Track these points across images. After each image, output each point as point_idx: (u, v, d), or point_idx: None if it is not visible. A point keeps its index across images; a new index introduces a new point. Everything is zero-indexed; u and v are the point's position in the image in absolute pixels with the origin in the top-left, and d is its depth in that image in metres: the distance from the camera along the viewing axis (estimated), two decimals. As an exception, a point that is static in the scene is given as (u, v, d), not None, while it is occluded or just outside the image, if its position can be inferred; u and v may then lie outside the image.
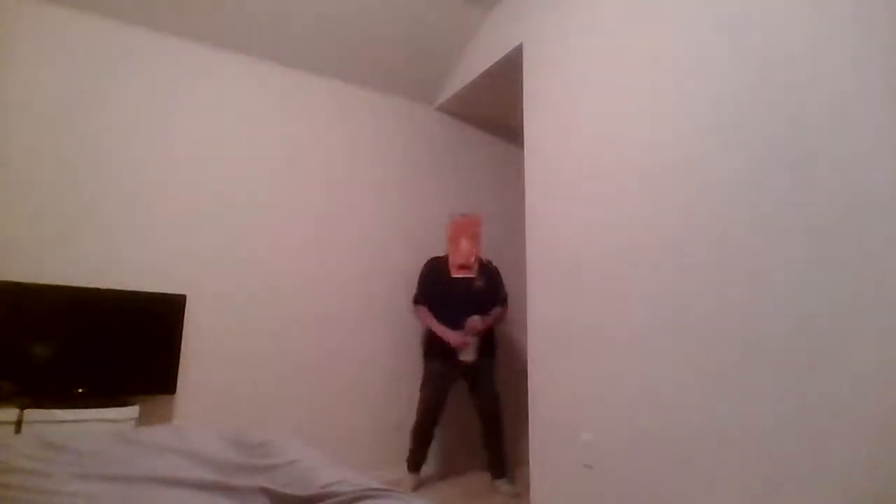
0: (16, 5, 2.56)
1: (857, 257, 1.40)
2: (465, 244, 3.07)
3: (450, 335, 2.93)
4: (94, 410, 2.20)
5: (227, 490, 1.05)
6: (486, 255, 3.25)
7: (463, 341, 2.90)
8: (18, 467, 1.10)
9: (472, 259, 3.08)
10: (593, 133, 2.30)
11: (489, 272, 3.17)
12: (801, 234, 1.52)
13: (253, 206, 3.02)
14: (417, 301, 3.12)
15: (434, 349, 3.04)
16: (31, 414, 2.07)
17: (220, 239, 2.90)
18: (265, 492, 1.04)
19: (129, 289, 2.54)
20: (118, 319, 2.49)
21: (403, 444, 3.06)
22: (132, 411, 2.31)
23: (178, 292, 2.67)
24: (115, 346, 2.46)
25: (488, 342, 3.07)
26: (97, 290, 2.46)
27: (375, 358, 3.27)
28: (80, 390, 2.33)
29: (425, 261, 3.24)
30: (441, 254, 3.24)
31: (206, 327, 2.77)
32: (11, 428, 2.02)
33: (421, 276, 3.16)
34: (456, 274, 3.06)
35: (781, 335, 1.54)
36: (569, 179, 2.40)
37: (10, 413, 2.05)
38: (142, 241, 2.70)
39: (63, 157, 2.57)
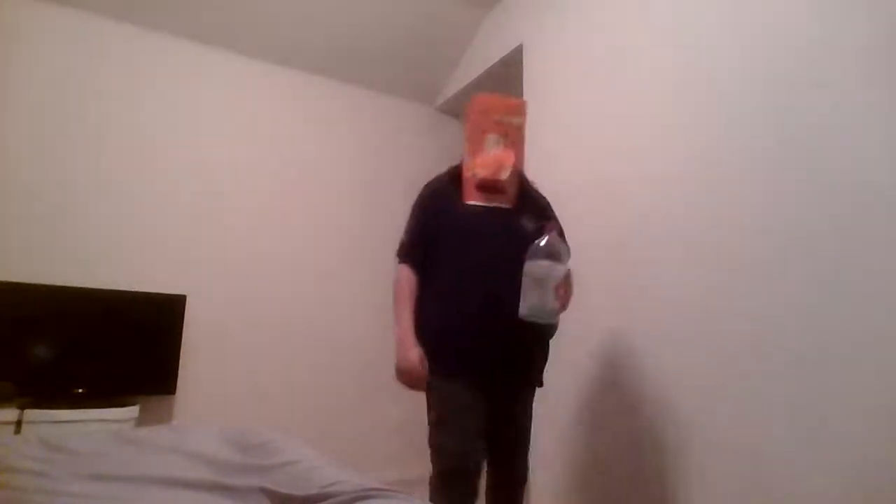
0: (16, 4, 2.55)
1: (860, 257, 1.40)
2: (494, 144, 1.58)
3: (405, 345, 1.57)
4: (93, 410, 2.20)
5: (226, 490, 1.05)
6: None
7: (417, 372, 1.54)
8: (18, 467, 1.10)
9: (507, 173, 1.56)
10: (594, 133, 2.30)
11: (537, 203, 1.74)
12: (803, 233, 1.52)
13: (253, 206, 3.02)
14: (403, 254, 1.69)
15: (444, 353, 1.56)
16: (31, 414, 2.07)
17: (220, 239, 2.90)
18: (265, 492, 1.04)
19: (129, 289, 2.54)
20: (118, 319, 2.49)
21: (404, 443, 3.06)
22: (132, 411, 2.31)
23: (178, 292, 2.67)
24: (115, 346, 2.46)
25: (535, 350, 1.66)
26: (97, 290, 2.46)
27: (376, 358, 3.27)
28: (80, 390, 2.33)
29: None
30: (449, 172, 1.76)
31: (206, 327, 2.76)
32: (11, 428, 2.02)
33: (414, 209, 1.73)
34: (474, 199, 1.59)
35: (782, 335, 1.54)
36: (569, 180, 2.40)
37: (10, 413, 2.05)
38: (142, 241, 2.69)
39: (63, 158, 2.57)
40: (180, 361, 2.58)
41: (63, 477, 1.08)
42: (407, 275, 1.65)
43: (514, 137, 1.61)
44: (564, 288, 1.46)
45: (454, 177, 1.67)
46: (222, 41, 3.00)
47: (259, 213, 3.03)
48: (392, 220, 3.50)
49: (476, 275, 1.56)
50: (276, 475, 1.12)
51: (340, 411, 3.10)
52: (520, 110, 1.65)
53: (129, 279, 2.60)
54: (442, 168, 1.79)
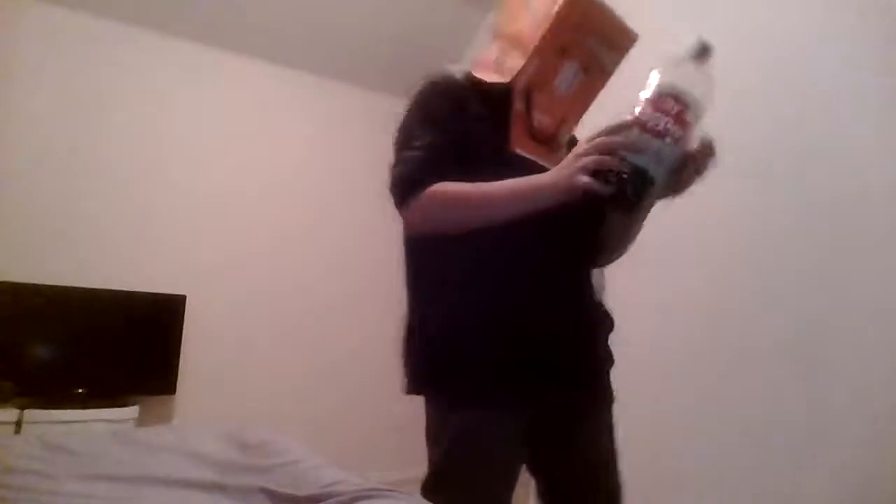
0: (17, 6, 2.55)
1: (857, 257, 1.39)
2: (569, 77, 0.97)
3: (543, 179, 0.87)
4: (94, 410, 2.20)
5: (226, 490, 1.05)
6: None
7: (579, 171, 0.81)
8: (18, 467, 1.10)
9: (570, 130, 1.05)
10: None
11: None
12: (801, 233, 1.52)
13: (253, 206, 3.02)
14: (418, 181, 0.96)
15: (471, 366, 0.93)
16: (31, 414, 2.07)
17: (220, 239, 2.90)
18: (265, 492, 1.04)
19: (129, 289, 2.54)
20: (118, 319, 2.48)
21: (403, 443, 3.05)
22: (132, 411, 2.31)
23: (178, 292, 2.67)
24: (115, 346, 2.46)
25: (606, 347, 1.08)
26: (97, 290, 2.46)
27: (376, 358, 3.27)
28: (80, 390, 2.33)
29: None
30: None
31: (206, 327, 2.76)
32: (11, 428, 2.02)
33: (428, 113, 1.04)
34: (524, 149, 0.97)
35: (781, 336, 1.54)
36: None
37: (10, 413, 2.05)
38: (142, 241, 2.69)
39: (64, 158, 2.57)
40: (180, 361, 2.58)
41: (63, 477, 1.07)
42: (446, 188, 0.92)
43: (596, 79, 1.01)
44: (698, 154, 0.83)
45: (488, 97, 0.96)
46: (223, 42, 3.00)
47: (259, 213, 3.03)
48: (392, 219, 3.51)
49: (523, 251, 0.95)
50: (276, 475, 1.12)
51: (340, 411, 3.09)
52: (625, 43, 1.00)
53: (129, 279, 2.59)
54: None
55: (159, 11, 2.78)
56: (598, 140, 0.82)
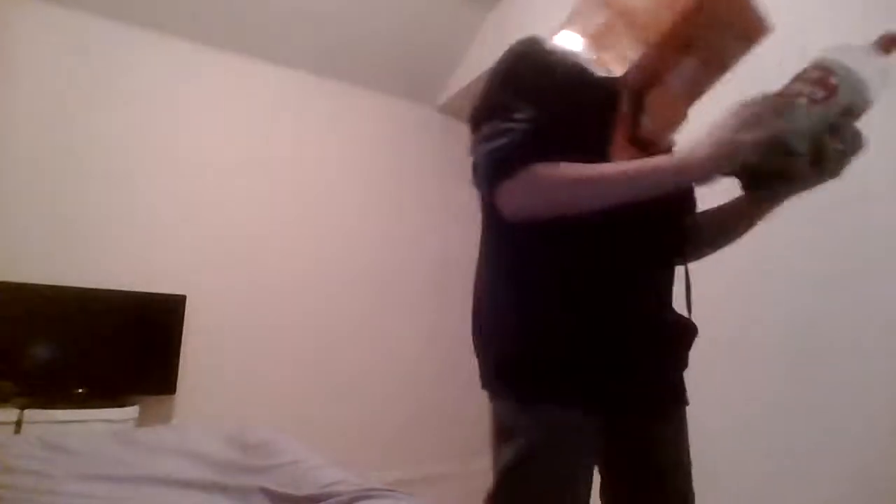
0: (15, 5, 2.55)
1: (857, 257, 1.39)
2: (686, 74, 0.87)
3: (702, 146, 0.75)
4: (94, 410, 2.20)
5: (226, 490, 1.05)
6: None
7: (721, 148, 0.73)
8: (18, 467, 1.10)
9: (675, 133, 0.95)
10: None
11: None
12: (801, 233, 1.52)
13: (253, 206, 3.02)
14: (524, 160, 0.79)
15: (573, 370, 0.86)
16: (31, 414, 2.07)
17: (220, 239, 2.90)
18: (265, 492, 1.04)
19: (129, 289, 2.54)
20: (118, 319, 2.48)
21: (403, 443, 3.06)
22: (132, 411, 2.31)
23: (178, 292, 2.67)
24: (115, 346, 2.46)
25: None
26: (97, 290, 2.46)
27: (377, 357, 3.27)
28: (80, 390, 2.32)
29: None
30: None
31: (206, 327, 2.76)
32: (11, 428, 2.02)
33: (521, 84, 0.85)
34: (621, 157, 0.83)
35: (781, 336, 1.54)
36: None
37: (10, 413, 2.05)
38: (142, 241, 2.69)
39: (63, 157, 2.57)
40: (180, 361, 2.58)
41: (63, 477, 1.08)
42: (562, 168, 0.80)
43: (712, 74, 0.90)
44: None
45: (591, 85, 0.83)
46: (223, 41, 3.00)
47: (258, 213, 3.03)
48: (393, 219, 3.52)
49: (628, 249, 0.89)
50: (276, 475, 1.12)
51: (340, 411, 3.09)
52: (755, 35, 0.89)
53: (129, 279, 2.59)
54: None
55: (158, 11, 2.78)
56: (731, 114, 0.74)
